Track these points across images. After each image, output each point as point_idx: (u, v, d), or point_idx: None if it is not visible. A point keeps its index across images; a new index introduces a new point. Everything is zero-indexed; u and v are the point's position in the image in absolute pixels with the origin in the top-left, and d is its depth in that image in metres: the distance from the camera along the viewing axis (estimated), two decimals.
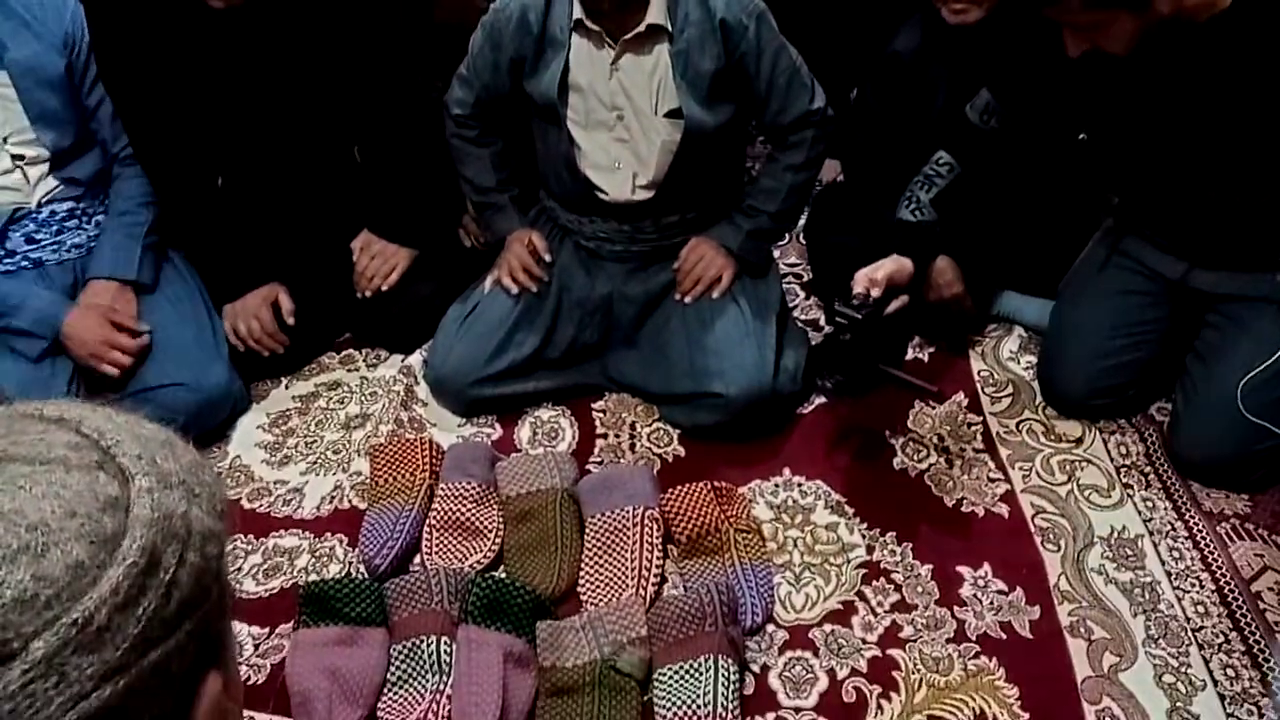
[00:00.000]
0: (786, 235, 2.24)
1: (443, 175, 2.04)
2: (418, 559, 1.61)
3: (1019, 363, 1.98)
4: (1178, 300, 1.77)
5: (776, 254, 2.10)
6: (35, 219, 1.81)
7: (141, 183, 1.90)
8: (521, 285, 1.86)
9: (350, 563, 1.61)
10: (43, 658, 0.39)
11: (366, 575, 1.57)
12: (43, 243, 1.84)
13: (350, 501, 1.72)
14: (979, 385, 1.93)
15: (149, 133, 1.85)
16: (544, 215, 1.95)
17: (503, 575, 1.54)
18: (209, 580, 0.46)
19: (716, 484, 1.65)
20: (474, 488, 1.66)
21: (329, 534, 1.67)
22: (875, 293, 1.56)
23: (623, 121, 1.70)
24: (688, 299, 1.84)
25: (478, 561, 1.58)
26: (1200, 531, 1.61)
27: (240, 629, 1.49)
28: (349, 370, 2.04)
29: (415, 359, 2.01)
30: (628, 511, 1.60)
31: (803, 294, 2.21)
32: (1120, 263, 1.81)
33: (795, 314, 2.11)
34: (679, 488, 1.64)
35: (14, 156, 1.74)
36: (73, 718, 0.39)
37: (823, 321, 2.09)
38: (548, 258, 1.86)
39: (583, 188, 1.77)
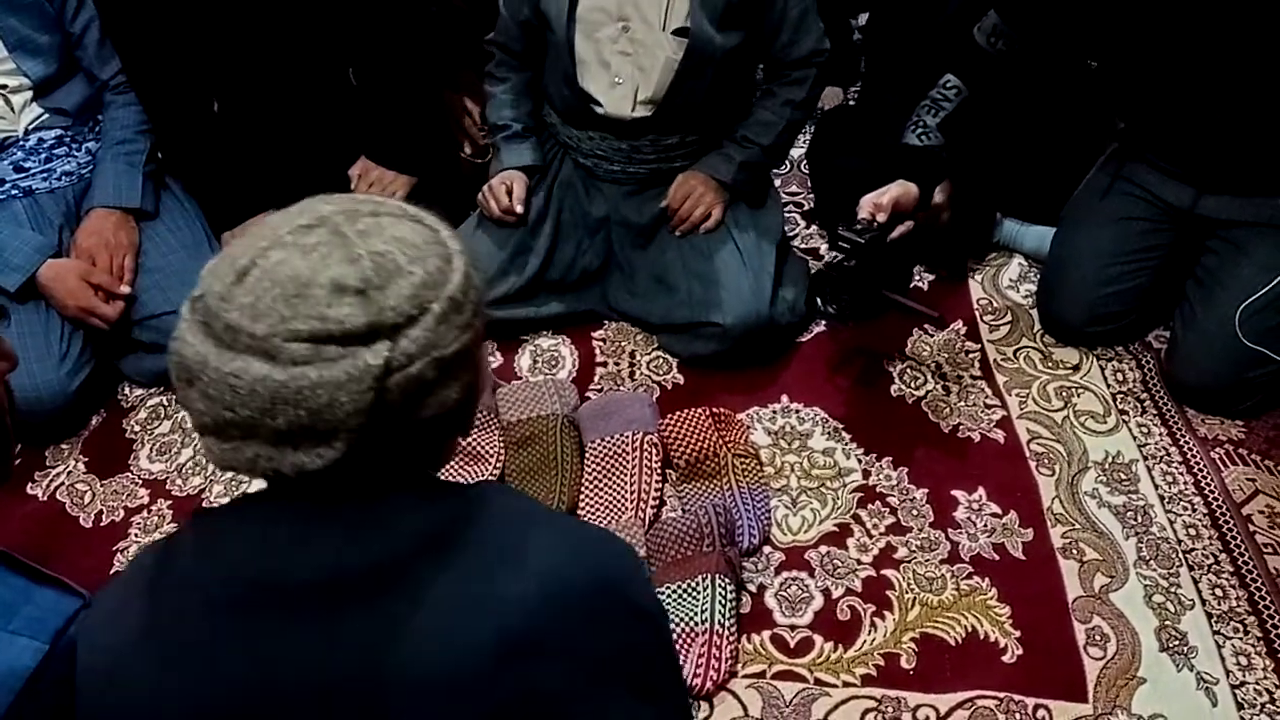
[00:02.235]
0: (787, 165, 2.22)
1: (440, 100, 2.00)
2: None
3: (1018, 290, 1.98)
4: (1179, 227, 1.75)
5: (777, 182, 2.08)
6: (23, 147, 1.80)
7: (136, 110, 1.88)
8: (497, 221, 1.84)
9: None
10: (438, 313, 0.67)
11: None
12: (31, 171, 1.82)
13: None
14: (977, 313, 1.93)
15: (142, 57, 1.81)
16: (547, 132, 1.92)
17: None
18: (484, 301, 0.75)
19: (715, 410, 1.66)
20: None
21: None
22: (880, 218, 1.54)
23: (628, 34, 1.66)
24: (678, 233, 1.83)
25: None
26: (1194, 456, 1.63)
27: None
28: None
29: None
30: (627, 436, 1.61)
31: (803, 222, 2.19)
32: (1123, 189, 1.79)
33: (795, 243, 2.10)
34: (678, 413, 1.65)
35: None
36: (459, 346, 0.69)
37: (823, 249, 2.08)
38: (519, 208, 1.82)
39: (580, 101, 1.75)
